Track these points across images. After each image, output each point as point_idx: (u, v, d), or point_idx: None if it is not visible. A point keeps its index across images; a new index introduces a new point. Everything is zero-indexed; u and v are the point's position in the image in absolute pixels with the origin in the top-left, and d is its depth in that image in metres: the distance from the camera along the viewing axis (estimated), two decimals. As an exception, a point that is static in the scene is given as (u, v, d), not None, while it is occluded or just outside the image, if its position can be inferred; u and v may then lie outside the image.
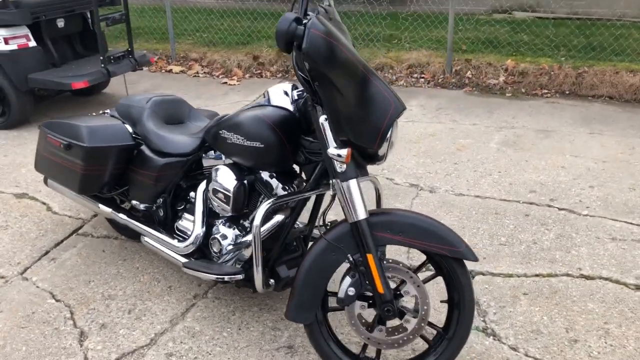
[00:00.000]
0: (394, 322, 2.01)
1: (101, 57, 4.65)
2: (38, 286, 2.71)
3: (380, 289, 1.93)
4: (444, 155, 4.02)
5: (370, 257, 1.92)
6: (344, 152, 1.88)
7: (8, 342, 2.34)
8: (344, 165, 1.92)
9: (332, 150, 1.90)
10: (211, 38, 7.09)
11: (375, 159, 2.01)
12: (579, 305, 2.47)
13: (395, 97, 1.92)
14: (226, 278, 2.25)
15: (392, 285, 1.99)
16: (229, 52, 6.56)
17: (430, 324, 2.05)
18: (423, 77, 5.78)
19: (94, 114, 2.99)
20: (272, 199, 2.11)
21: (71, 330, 2.41)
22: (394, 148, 2.11)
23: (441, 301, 2.18)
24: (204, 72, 6.36)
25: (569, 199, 3.35)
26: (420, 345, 2.20)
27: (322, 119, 1.91)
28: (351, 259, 1.96)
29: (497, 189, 3.51)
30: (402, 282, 2.01)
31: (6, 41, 4.43)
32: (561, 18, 7.15)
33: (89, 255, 2.95)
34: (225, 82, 6.00)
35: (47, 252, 2.99)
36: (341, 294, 1.98)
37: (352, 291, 1.97)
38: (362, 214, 1.93)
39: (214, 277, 2.26)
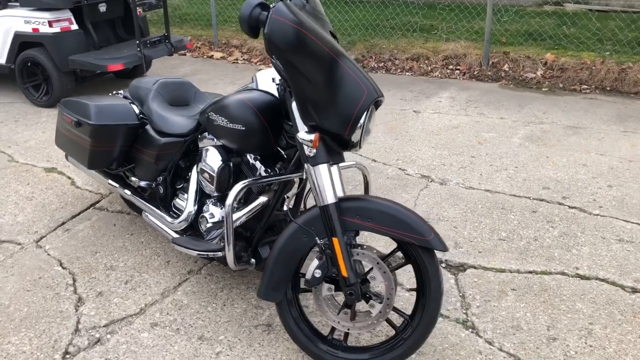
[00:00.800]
0: (363, 307, 2.04)
1: (137, 41, 4.84)
2: (49, 254, 2.89)
3: (344, 272, 1.96)
4: (462, 148, 3.97)
5: (335, 240, 1.95)
6: (312, 136, 1.92)
7: (13, 302, 2.52)
8: (314, 150, 1.96)
9: (302, 134, 1.94)
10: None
11: (349, 145, 2.02)
12: (567, 305, 2.41)
13: (371, 84, 1.93)
14: (210, 255, 2.34)
15: (366, 270, 2.02)
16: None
17: (397, 310, 2.07)
18: (458, 69, 5.69)
19: (110, 94, 3.14)
20: (247, 180, 2.18)
21: (70, 295, 2.56)
22: (371, 135, 2.12)
23: (409, 289, 2.19)
24: (243, 59, 6.49)
25: (582, 198, 3.25)
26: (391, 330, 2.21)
27: (293, 104, 1.96)
28: (319, 242, 2.00)
29: (509, 184, 3.44)
30: (372, 268, 2.03)
31: (50, 24, 4.68)
32: (614, 11, 6.84)
33: (100, 228, 3.12)
34: (262, 69, 6.09)
35: (63, 223, 3.18)
36: (308, 276, 2.03)
37: (318, 273, 2.01)
38: (330, 199, 1.96)
39: (195, 253, 2.35)
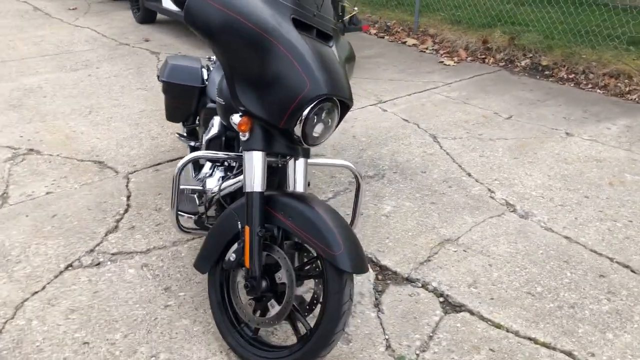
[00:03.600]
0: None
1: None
2: (127, 186, 3.35)
3: (246, 262, 1.93)
4: (583, 185, 3.35)
5: (247, 229, 1.93)
6: (238, 119, 1.90)
7: (72, 214, 3.02)
8: (247, 134, 1.94)
9: (234, 117, 1.93)
10: (461, 16, 6.89)
11: (300, 140, 1.94)
12: (537, 389, 1.97)
13: (323, 79, 1.82)
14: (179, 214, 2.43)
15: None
16: (467, 32, 6.32)
17: (303, 320, 1.96)
18: (665, 97, 4.69)
19: (206, 57, 3.43)
20: (195, 153, 2.22)
21: (111, 222, 2.97)
22: (330, 134, 2.01)
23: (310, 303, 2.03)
24: (432, 49, 6.30)
25: (683, 278, 2.52)
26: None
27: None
28: (239, 227, 1.99)
29: (600, 238, 2.83)
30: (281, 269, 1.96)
31: None
32: None
33: (179, 175, 3.48)
34: (442, 62, 5.86)
35: (158, 164, 3.63)
36: (226, 258, 2.04)
37: (233, 257, 2.01)
38: (256, 187, 1.93)
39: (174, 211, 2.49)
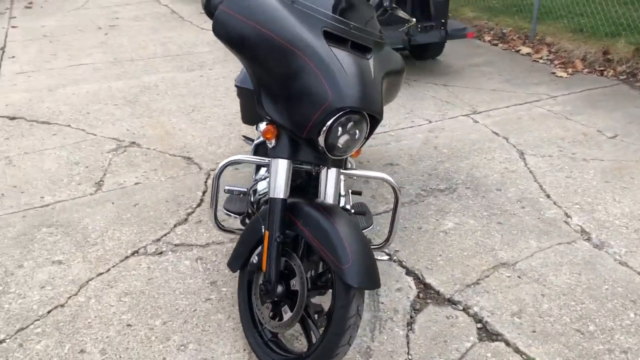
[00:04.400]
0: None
1: (405, 24, 5.02)
2: (205, 183, 3.56)
3: (263, 266, 1.99)
4: (680, 217, 3.00)
5: (266, 233, 1.99)
6: (264, 127, 1.96)
7: (159, 205, 3.28)
8: (273, 142, 2.00)
9: (261, 124, 2.00)
10: (584, 23, 6.40)
11: (325, 150, 1.96)
12: None
13: (346, 91, 1.83)
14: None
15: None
16: (587, 41, 5.87)
17: (314, 329, 1.98)
18: None
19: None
20: (234, 156, 2.30)
21: (182, 216, 3.18)
22: (359, 146, 2.01)
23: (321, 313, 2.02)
24: (547, 59, 5.93)
25: None
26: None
27: None
28: (263, 232, 2.06)
29: (682, 278, 2.52)
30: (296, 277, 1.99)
31: (343, -2, 5.29)
32: None
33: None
34: (554, 73, 5.50)
35: (239, 163, 3.80)
36: (250, 260, 2.12)
37: (255, 260, 2.09)
38: (278, 194, 1.99)
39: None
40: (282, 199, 1.99)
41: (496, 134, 4.12)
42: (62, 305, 2.48)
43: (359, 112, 1.90)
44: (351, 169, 2.49)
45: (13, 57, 6.65)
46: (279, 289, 1.99)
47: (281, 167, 2.00)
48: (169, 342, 2.26)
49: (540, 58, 5.96)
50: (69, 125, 4.50)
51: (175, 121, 4.52)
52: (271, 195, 2.00)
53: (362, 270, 1.82)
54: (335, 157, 2.01)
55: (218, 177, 2.30)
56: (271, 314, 2.05)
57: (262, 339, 2.13)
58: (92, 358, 2.19)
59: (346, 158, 2.13)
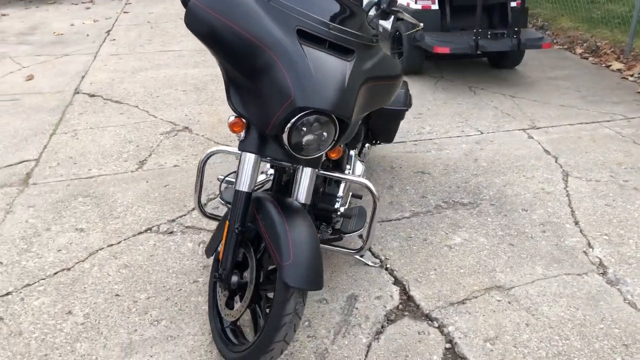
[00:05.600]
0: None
1: (474, 30, 4.85)
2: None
3: (220, 255, 2.06)
4: None
5: (226, 223, 2.06)
6: (231, 120, 2.02)
7: (187, 176, 3.46)
8: (242, 135, 2.05)
9: (231, 117, 2.05)
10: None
11: (290, 148, 1.98)
12: None
13: (308, 91, 1.84)
14: None
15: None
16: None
17: (262, 320, 2.03)
18: None
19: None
20: (216, 147, 2.36)
21: (203, 200, 3.32)
22: (329, 147, 2.00)
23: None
24: (638, 76, 5.46)
25: None
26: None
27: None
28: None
29: (693, 329, 2.27)
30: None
31: (416, 1, 5.21)
32: None
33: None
34: (640, 92, 5.07)
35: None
36: (217, 248, 2.19)
37: (220, 249, 2.15)
38: (242, 187, 2.05)
39: None
40: (246, 192, 2.04)
41: (547, 152, 3.89)
42: (68, 269, 2.70)
43: (325, 113, 1.89)
44: (332, 170, 2.48)
45: (114, 39, 7.22)
46: (233, 278, 2.05)
47: (248, 161, 2.05)
48: (145, 315, 2.40)
49: (631, 75, 5.51)
50: (136, 106, 4.83)
51: (230, 111, 4.70)
52: (236, 188, 2.06)
53: (302, 270, 1.83)
54: (302, 157, 2.02)
55: (203, 165, 2.40)
56: (225, 301, 2.11)
57: (221, 325, 2.20)
58: (75, 320, 2.38)
59: (319, 158, 2.11)
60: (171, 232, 3.00)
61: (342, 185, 2.60)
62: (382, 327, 2.33)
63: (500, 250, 2.81)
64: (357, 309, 2.43)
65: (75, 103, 4.93)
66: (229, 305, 2.11)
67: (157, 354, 2.19)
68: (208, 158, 2.41)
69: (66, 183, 3.53)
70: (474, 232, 2.96)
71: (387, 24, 5.85)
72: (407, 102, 3.19)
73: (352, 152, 2.82)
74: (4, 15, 9.15)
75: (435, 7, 5.21)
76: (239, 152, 2.28)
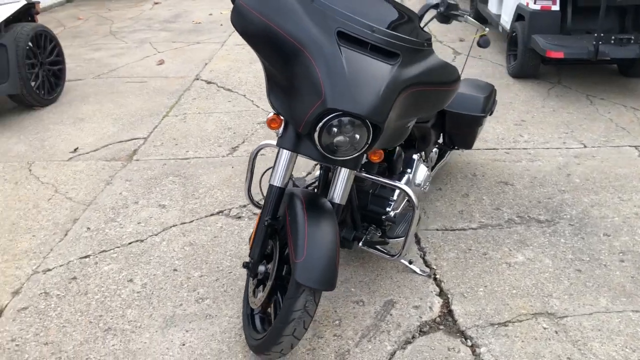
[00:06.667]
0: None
1: (595, 34, 4.45)
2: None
3: (250, 244, 2.15)
4: None
5: (258, 216, 2.15)
6: (270, 116, 2.09)
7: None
8: (279, 132, 2.12)
9: (270, 114, 2.13)
10: None
11: (321, 148, 2.00)
12: None
13: (338, 93, 1.87)
14: None
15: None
16: None
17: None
18: None
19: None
20: (266, 141, 2.43)
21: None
22: (364, 150, 2.01)
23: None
24: None
25: None
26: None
27: None
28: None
29: None
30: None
31: (535, 1, 4.90)
32: None
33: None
34: None
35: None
36: (256, 239, 2.29)
37: (259, 238, 2.25)
38: (275, 181, 2.12)
39: None
40: (278, 186, 2.11)
41: (656, 173, 3.50)
42: (141, 241, 2.97)
43: (356, 116, 1.90)
44: (377, 173, 2.45)
45: (243, 30, 7.61)
46: (260, 268, 2.13)
47: (283, 157, 2.11)
48: (193, 292, 2.58)
49: None
50: (244, 95, 5.10)
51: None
52: (270, 182, 2.14)
53: (313, 269, 1.86)
54: (334, 158, 2.04)
55: (254, 158, 2.51)
56: (253, 289, 2.21)
57: (251, 311, 2.30)
58: (133, 288, 2.62)
59: (355, 159, 2.10)
60: (239, 217, 3.16)
61: (397, 190, 2.57)
62: (413, 337, 2.29)
63: (564, 275, 2.61)
64: (391, 315, 2.40)
65: (192, 88, 5.32)
66: (255, 293, 2.20)
67: (192, 330, 2.35)
68: (259, 150, 2.51)
69: (163, 162, 3.84)
70: (540, 252, 2.77)
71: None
72: (486, 109, 3.06)
73: (415, 156, 2.77)
74: (156, 3, 10.03)
75: (556, 7, 4.86)
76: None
